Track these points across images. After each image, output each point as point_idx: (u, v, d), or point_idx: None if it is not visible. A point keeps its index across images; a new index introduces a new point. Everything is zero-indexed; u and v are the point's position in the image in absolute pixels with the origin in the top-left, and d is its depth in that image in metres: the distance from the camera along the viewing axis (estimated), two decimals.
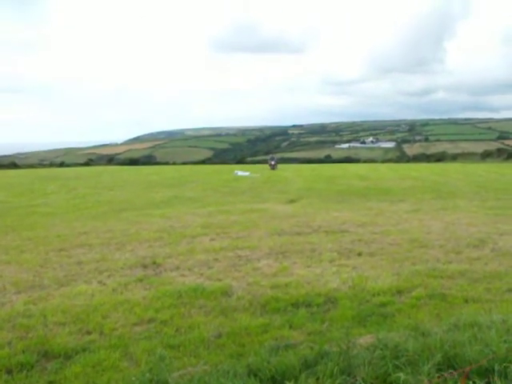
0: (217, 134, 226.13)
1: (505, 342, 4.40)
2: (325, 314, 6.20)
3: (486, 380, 3.60)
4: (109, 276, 8.18)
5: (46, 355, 5.11)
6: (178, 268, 8.62)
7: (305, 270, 8.35)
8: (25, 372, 4.72)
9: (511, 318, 5.26)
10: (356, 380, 3.85)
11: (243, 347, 5.18)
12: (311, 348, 4.67)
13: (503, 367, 3.71)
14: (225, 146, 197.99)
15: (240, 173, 37.04)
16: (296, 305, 6.51)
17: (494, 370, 3.70)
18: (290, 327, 5.76)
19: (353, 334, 5.27)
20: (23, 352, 5.12)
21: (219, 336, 5.51)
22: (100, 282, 7.81)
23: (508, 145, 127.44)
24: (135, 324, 5.94)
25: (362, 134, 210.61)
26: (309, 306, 6.48)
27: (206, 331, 5.62)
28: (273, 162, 48.31)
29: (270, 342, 5.14)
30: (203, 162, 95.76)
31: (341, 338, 4.76)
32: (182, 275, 8.16)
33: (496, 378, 3.57)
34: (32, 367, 4.83)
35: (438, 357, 4.04)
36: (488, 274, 7.91)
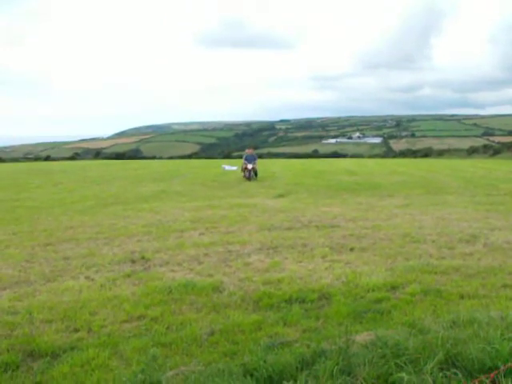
0: (204, 129, 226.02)
1: (506, 339, 4.31)
2: (319, 310, 6.09)
3: (491, 380, 3.49)
4: (97, 271, 8.01)
5: (32, 354, 4.95)
6: (167, 263, 8.47)
7: (297, 265, 8.24)
8: (10, 372, 4.54)
9: (510, 315, 5.18)
10: (357, 380, 3.73)
11: (237, 345, 5.04)
12: (308, 346, 4.56)
13: (508, 367, 3.60)
14: (212, 140, 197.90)
15: (227, 167, 36.76)
16: (289, 301, 6.39)
17: (497, 368, 3.59)
18: (285, 324, 5.63)
19: (349, 331, 5.16)
20: (8, 351, 4.96)
21: (212, 333, 5.36)
22: (88, 278, 7.63)
23: (493, 141, 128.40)
24: (124, 321, 5.78)
25: (348, 129, 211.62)
26: (302, 302, 6.37)
27: (197, 328, 5.48)
28: (250, 166, 26.93)
29: (265, 340, 5.02)
30: (190, 157, 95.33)
31: (338, 335, 4.65)
32: (172, 270, 8.01)
33: (501, 378, 3.47)
34: (17, 367, 4.66)
35: (440, 355, 3.94)
36: (482, 270, 7.85)
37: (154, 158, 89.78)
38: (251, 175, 27.26)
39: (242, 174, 28.18)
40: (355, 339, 4.73)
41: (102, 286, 7.18)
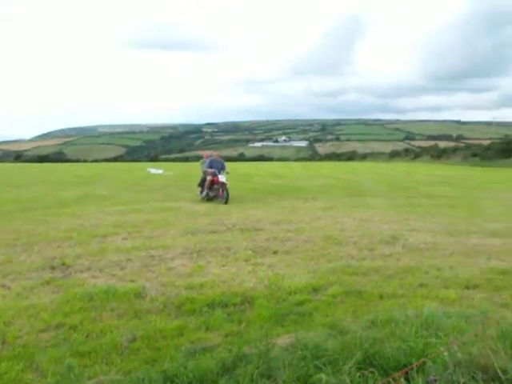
0: (130, 131, 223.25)
1: (420, 337, 4.46)
2: (242, 314, 6.06)
3: (405, 376, 3.59)
4: (13, 279, 7.68)
5: None
6: (88, 269, 8.24)
7: (220, 269, 8.20)
8: None
9: (424, 313, 5.36)
10: (277, 383, 3.75)
11: (158, 351, 4.95)
12: (229, 351, 4.55)
13: (420, 362, 3.72)
14: (138, 143, 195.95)
15: (153, 170, 36.50)
16: (212, 305, 6.32)
17: (412, 365, 3.70)
18: (207, 329, 5.57)
19: (271, 334, 5.18)
20: None
21: (133, 340, 5.24)
22: (3, 286, 7.31)
23: (414, 145, 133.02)
24: (42, 331, 5.56)
25: (275, 132, 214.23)
26: (225, 306, 6.32)
27: (118, 335, 5.32)
28: (222, 179, 18.49)
29: (187, 346, 4.96)
30: (115, 160, 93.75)
31: (260, 339, 4.65)
32: (93, 276, 7.80)
33: (414, 374, 3.57)
34: None
35: (358, 355, 4.02)
36: (401, 270, 8.08)
37: (78, 161, 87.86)
38: (223, 195, 18.22)
39: (200, 191, 19.36)
40: (276, 342, 4.77)
41: (18, 294, 6.89)
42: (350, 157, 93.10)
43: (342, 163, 68.10)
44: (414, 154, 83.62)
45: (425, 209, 16.47)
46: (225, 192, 18.24)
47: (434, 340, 4.38)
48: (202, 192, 19.23)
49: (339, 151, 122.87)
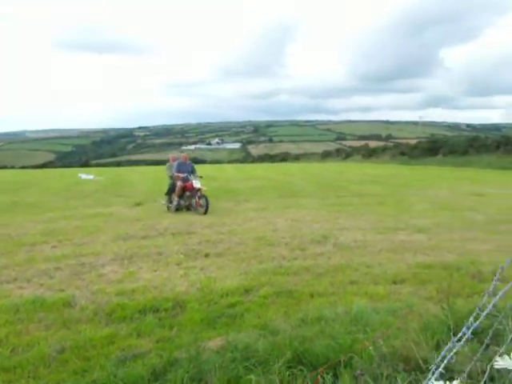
0: (60, 136, 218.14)
1: (349, 333, 4.56)
2: (173, 318, 6.03)
3: (333, 371, 3.67)
4: None
5: None
6: (15, 280, 7.97)
7: (152, 274, 8.13)
8: None
9: (353, 309, 5.48)
10: None
11: (88, 361, 4.84)
12: (160, 356, 4.52)
13: (348, 357, 3.81)
14: (68, 148, 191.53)
15: (84, 176, 35.74)
16: (143, 311, 6.26)
17: (340, 361, 3.77)
18: (138, 335, 5.50)
19: (202, 337, 5.19)
20: None
21: (61, 351, 5.10)
22: None
23: (345, 145, 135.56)
24: None
25: (207, 135, 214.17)
26: (157, 311, 6.28)
27: (46, 347, 5.17)
28: (197, 185, 16.09)
29: (117, 354, 4.89)
30: (44, 166, 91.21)
31: (191, 343, 4.65)
32: (20, 287, 7.56)
33: (342, 370, 3.65)
34: None
35: (288, 354, 4.07)
36: (331, 268, 8.25)
37: (5, 167, 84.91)
38: (200, 203, 15.78)
39: (168, 201, 16.98)
40: (208, 345, 4.78)
41: None
42: (283, 158, 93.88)
43: (275, 164, 68.57)
44: (346, 154, 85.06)
45: (355, 207, 16.82)
46: (203, 199, 15.74)
47: (361, 335, 4.48)
48: (170, 201, 16.84)
49: (272, 152, 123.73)
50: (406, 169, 49.47)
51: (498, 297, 2.38)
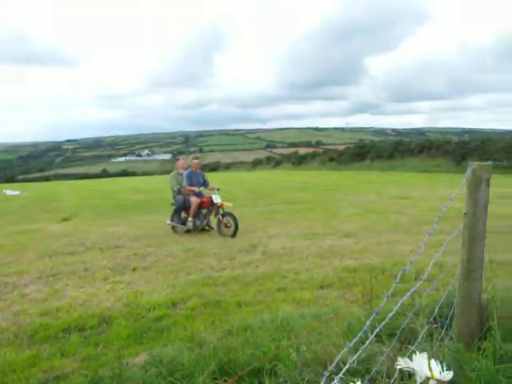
0: None
1: (274, 340, 4.58)
2: (99, 335, 5.89)
3: (258, 380, 3.68)
4: None
5: None
6: None
7: (78, 291, 7.92)
8: None
9: (279, 317, 5.52)
10: None
11: None
12: (85, 376, 4.40)
13: (272, 365, 3.83)
14: None
15: (9, 192, 34.65)
16: (68, 330, 6.09)
17: (264, 369, 3.79)
18: (62, 355, 5.34)
19: (128, 353, 5.11)
20: None
21: None
22: None
23: (275, 153, 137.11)
24: None
25: (138, 146, 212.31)
26: (82, 329, 6.11)
27: None
28: (217, 200, 13.20)
29: (38, 376, 4.74)
30: None
31: (114, 360, 4.56)
32: None
33: (266, 378, 3.66)
34: None
35: (213, 365, 4.05)
36: (260, 277, 8.27)
37: None
38: (227, 223, 12.91)
39: (175, 221, 14.08)
40: (133, 361, 4.71)
41: None
42: (214, 167, 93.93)
43: (206, 174, 68.35)
44: (276, 162, 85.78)
45: (285, 214, 16.99)
46: (228, 218, 12.91)
47: (286, 342, 4.51)
48: (178, 221, 14.02)
49: (203, 162, 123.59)
50: (335, 174, 50.41)
51: (405, 297, 2.47)
